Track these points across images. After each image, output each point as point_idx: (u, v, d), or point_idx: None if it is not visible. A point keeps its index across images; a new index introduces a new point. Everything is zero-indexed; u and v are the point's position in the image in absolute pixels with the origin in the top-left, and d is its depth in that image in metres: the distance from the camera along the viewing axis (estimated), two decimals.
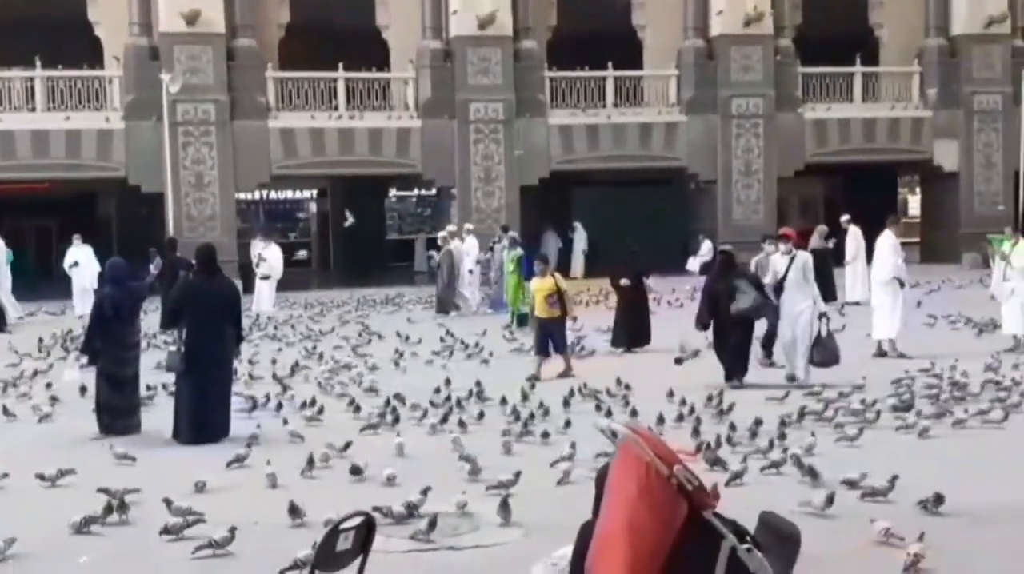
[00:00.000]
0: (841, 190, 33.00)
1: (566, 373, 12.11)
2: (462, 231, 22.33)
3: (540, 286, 12.47)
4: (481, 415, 9.68)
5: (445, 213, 28.77)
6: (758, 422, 8.68)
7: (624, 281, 14.47)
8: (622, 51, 28.17)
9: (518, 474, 7.06)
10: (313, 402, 10.29)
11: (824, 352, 11.18)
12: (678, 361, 12.18)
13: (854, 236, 19.99)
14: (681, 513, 3.79)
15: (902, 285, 13.31)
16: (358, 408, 10.06)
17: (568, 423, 9.06)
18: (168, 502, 6.56)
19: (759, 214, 28.15)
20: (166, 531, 6.29)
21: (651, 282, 15.18)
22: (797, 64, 28.88)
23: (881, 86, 29.53)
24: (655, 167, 28.68)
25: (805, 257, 11.68)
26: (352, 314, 20.15)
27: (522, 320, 16.35)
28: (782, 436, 8.31)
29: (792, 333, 11.41)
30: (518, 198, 27.31)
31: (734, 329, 11.29)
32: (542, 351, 12.30)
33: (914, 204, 36.46)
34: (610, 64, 27.85)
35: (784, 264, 11.53)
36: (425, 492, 6.65)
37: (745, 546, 3.80)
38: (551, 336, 12.32)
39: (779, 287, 11.48)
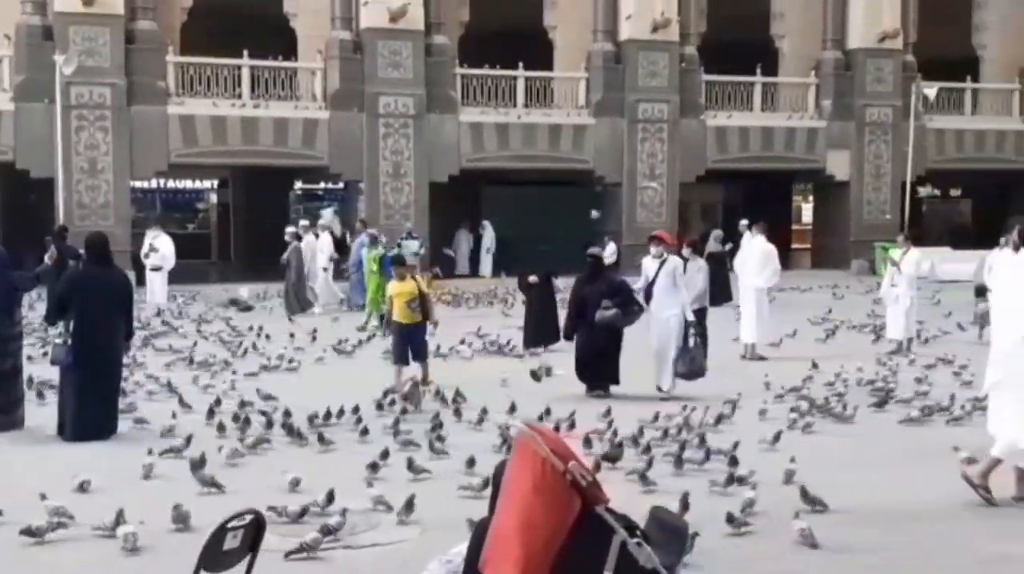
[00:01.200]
0: (740, 196, 33.87)
1: (422, 383, 11.08)
2: (326, 225, 21.85)
3: (400, 289, 11.34)
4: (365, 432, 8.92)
5: (353, 207, 28.66)
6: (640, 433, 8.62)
7: (533, 278, 14.62)
8: (534, 51, 28.48)
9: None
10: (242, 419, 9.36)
11: (690, 364, 10.72)
12: (535, 377, 11.48)
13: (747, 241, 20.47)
14: (575, 508, 3.84)
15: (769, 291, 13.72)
16: (246, 421, 9.23)
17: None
18: (43, 497, 6.40)
19: (662, 217, 28.72)
20: (28, 533, 6.05)
21: (559, 282, 15.31)
22: (701, 72, 29.57)
23: (780, 96, 30.42)
24: (563, 168, 29.05)
25: (676, 262, 11.22)
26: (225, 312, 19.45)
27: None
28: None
29: (659, 341, 10.96)
30: (427, 194, 27.35)
31: (600, 337, 10.80)
32: (402, 359, 11.20)
33: (807, 211, 37.64)
34: (521, 64, 28.12)
35: (654, 268, 11.10)
36: (330, 496, 6.60)
37: (635, 540, 3.87)
38: (411, 343, 11.28)
39: (648, 292, 11.08)
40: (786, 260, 33.74)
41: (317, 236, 21.19)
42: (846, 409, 9.87)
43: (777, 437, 8.54)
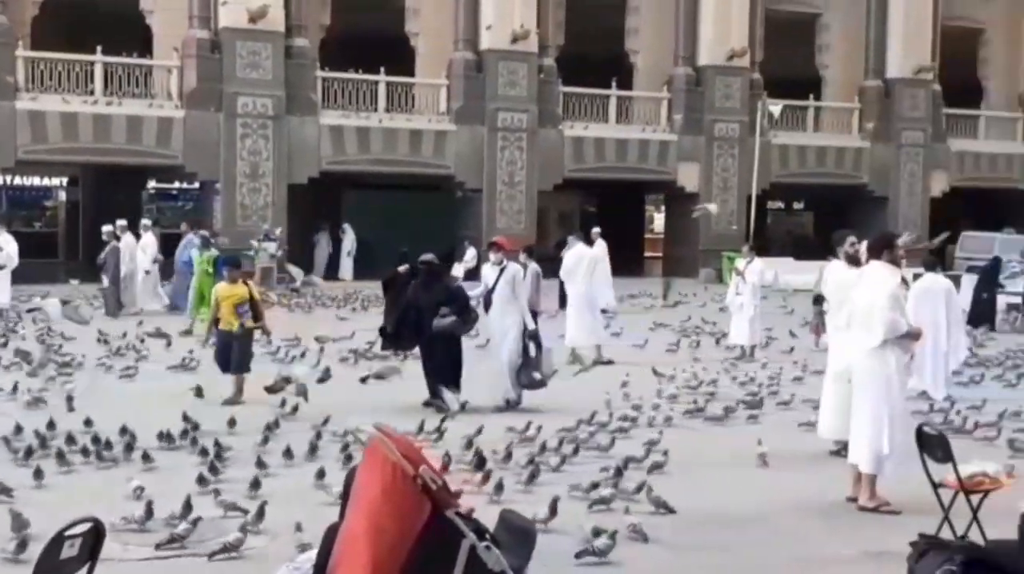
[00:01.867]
0: (596, 205, 34.75)
1: (234, 399, 10.48)
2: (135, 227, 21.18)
3: (229, 293, 10.67)
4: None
5: (208, 208, 28.16)
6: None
7: (403, 268, 14.58)
8: (397, 56, 28.58)
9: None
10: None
11: (532, 374, 10.38)
12: (269, 390, 10.41)
13: (601, 248, 20.81)
14: (424, 512, 3.85)
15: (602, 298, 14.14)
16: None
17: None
18: None
19: (521, 224, 29.28)
20: None
21: None
22: (559, 83, 30.25)
23: (634, 109, 31.37)
24: (425, 173, 29.23)
25: (515, 269, 10.85)
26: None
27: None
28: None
29: (500, 351, 10.61)
30: (286, 196, 27.12)
31: (439, 346, 10.45)
32: (227, 367, 10.66)
33: (659, 221, 38.86)
34: (383, 69, 28.19)
35: (494, 276, 10.79)
36: (188, 504, 6.53)
37: (484, 543, 3.91)
38: (233, 351, 10.58)
39: (488, 301, 10.83)
40: (639, 268, 35.23)
41: (139, 236, 20.48)
42: (725, 412, 10.31)
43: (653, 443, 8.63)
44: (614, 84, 30.93)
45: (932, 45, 33.71)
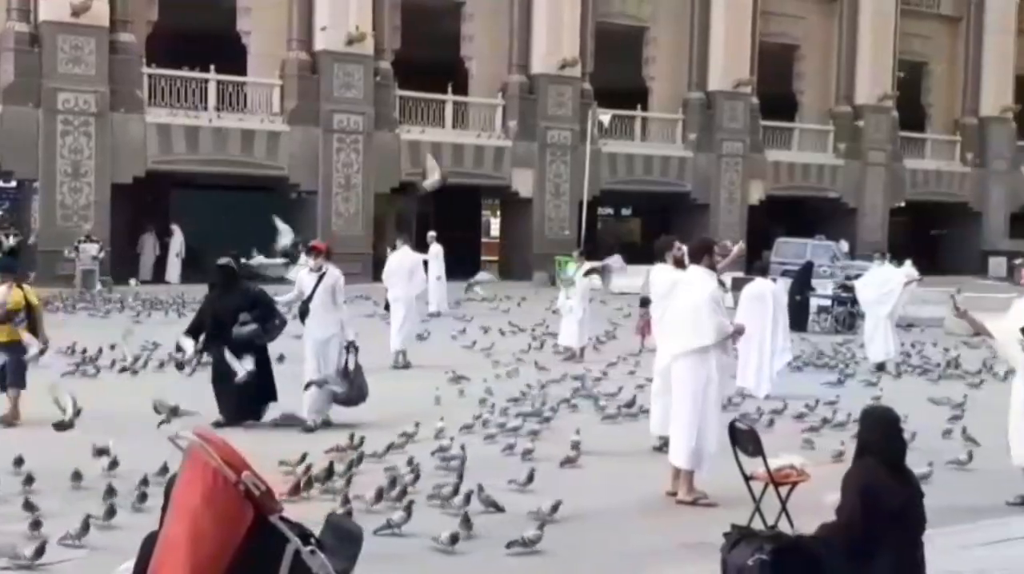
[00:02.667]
0: (433, 208, 34.91)
1: (10, 419, 9.45)
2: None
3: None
4: None
5: (27, 208, 26.89)
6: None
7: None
8: (228, 54, 27.98)
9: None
10: None
11: (349, 389, 9.57)
12: (59, 427, 8.80)
13: (435, 254, 20.99)
14: (247, 518, 3.78)
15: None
16: None
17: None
18: None
19: (357, 226, 29.21)
20: None
21: None
22: (395, 86, 30.30)
23: (470, 115, 31.74)
24: (257, 174, 28.74)
25: (336, 276, 9.95)
26: None
27: None
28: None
29: (316, 364, 9.74)
30: (109, 196, 26.19)
31: (241, 357, 9.56)
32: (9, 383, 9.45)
33: (496, 226, 39.38)
34: (213, 67, 27.59)
35: (312, 282, 9.92)
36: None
37: (309, 548, 3.87)
38: (5, 365, 9.46)
39: (304, 309, 9.94)
40: (476, 271, 35.57)
41: None
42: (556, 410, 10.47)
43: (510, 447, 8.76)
44: (450, 89, 31.21)
45: (751, 60, 35.44)
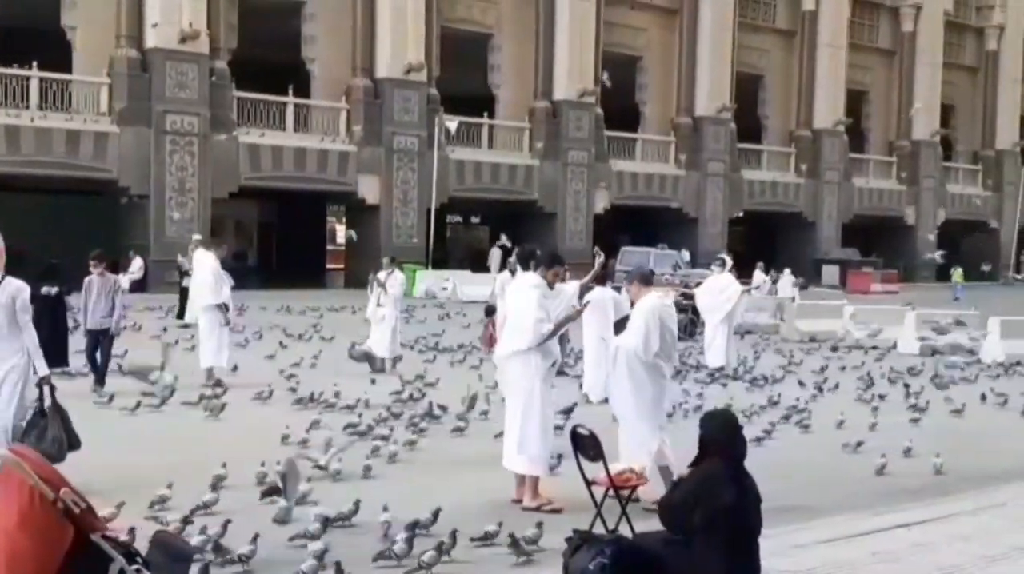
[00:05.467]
0: (275, 215, 33.86)
1: None
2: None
3: None
4: None
5: None
6: None
7: (47, 289, 13.12)
8: (51, 50, 26.34)
9: None
10: None
11: (40, 439, 6.56)
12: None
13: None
14: (68, 537, 3.73)
15: (227, 309, 12.71)
16: None
17: None
18: None
19: (192, 232, 27.81)
20: None
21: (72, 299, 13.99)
22: (233, 87, 29.19)
23: (312, 118, 30.87)
24: (84, 177, 27.11)
25: (17, 287, 7.15)
26: None
27: None
28: None
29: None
30: None
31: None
32: None
33: (341, 233, 38.58)
34: (35, 63, 25.89)
35: None
36: None
37: (134, 567, 3.85)
38: None
39: None
40: (320, 280, 34.71)
41: None
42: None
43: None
44: (291, 91, 30.28)
45: (595, 70, 35.83)
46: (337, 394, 11.14)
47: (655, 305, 7.33)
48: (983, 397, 12.64)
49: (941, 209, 47.25)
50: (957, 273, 36.38)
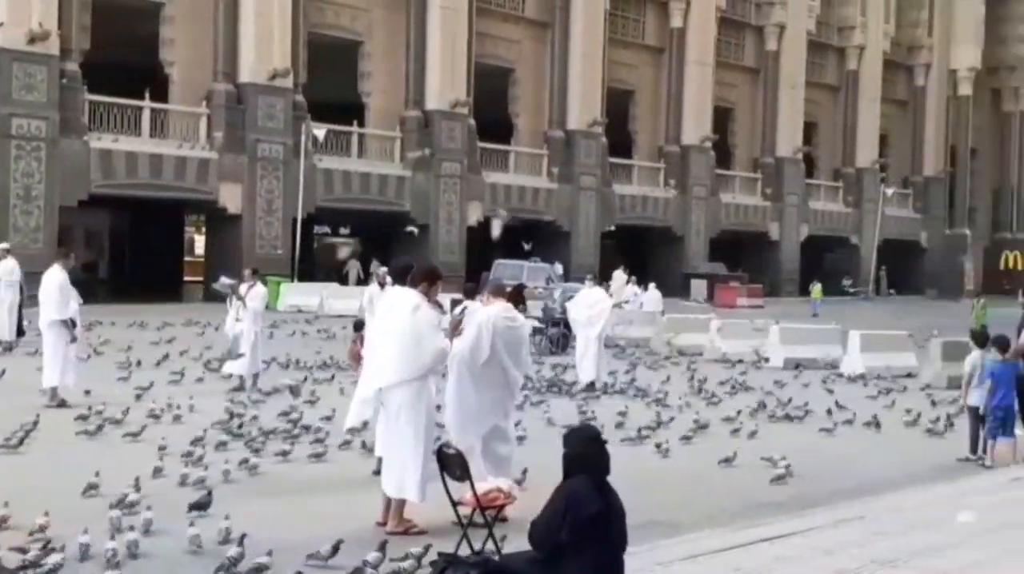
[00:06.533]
0: (129, 224, 32.36)
1: None
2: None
3: None
4: None
5: None
6: None
7: None
8: None
9: None
10: None
11: None
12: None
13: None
14: None
15: (74, 325, 11.82)
16: None
17: None
18: None
19: (39, 242, 26.29)
20: None
21: None
22: (85, 90, 27.76)
23: (170, 123, 29.58)
24: None
25: None
26: None
27: None
28: None
29: None
30: None
31: None
32: None
33: (200, 243, 37.21)
34: None
35: None
36: None
37: None
38: None
39: None
40: (176, 293, 33.29)
41: None
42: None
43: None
44: (147, 95, 28.97)
45: (467, 80, 35.45)
46: (178, 417, 10.56)
47: (492, 314, 7.24)
48: (828, 412, 12.58)
49: (804, 225, 48.52)
50: (816, 289, 37.18)
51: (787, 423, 12.15)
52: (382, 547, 5.93)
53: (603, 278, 22.42)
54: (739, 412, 12.36)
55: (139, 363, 15.29)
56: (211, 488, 7.50)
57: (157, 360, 15.82)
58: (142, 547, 6.18)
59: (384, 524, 7.00)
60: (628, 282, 30.16)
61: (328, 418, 10.77)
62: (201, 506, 7.07)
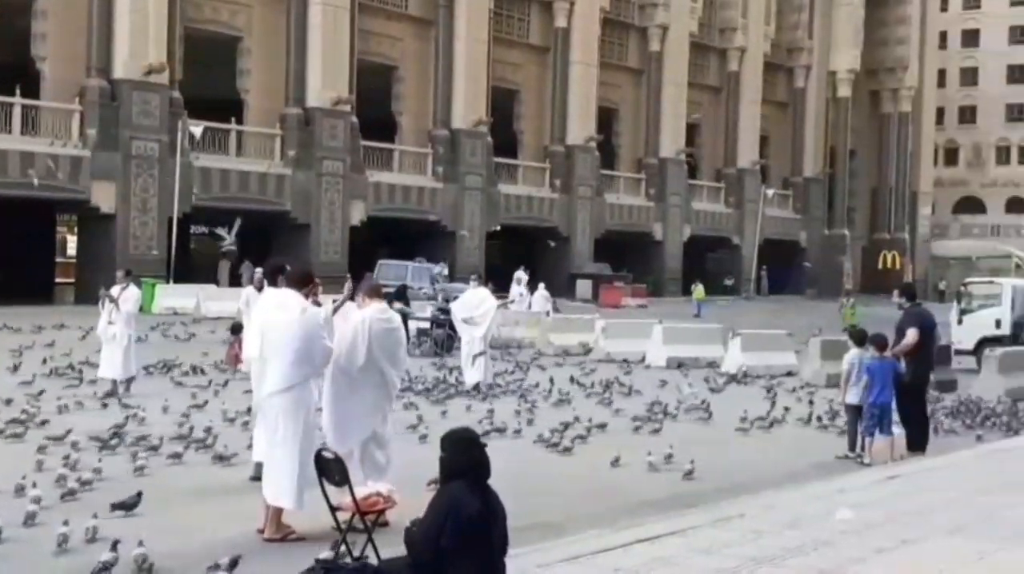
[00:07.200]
0: None
1: None
2: None
3: None
4: None
5: None
6: None
7: None
8: None
9: None
10: None
11: None
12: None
13: None
14: None
15: None
16: None
17: None
18: None
19: None
20: None
21: None
22: None
23: (41, 120, 28.43)
24: None
25: None
26: None
27: None
28: None
29: None
30: None
31: None
32: None
33: (73, 243, 35.86)
34: None
35: None
36: None
37: None
38: None
39: None
40: (47, 295, 31.92)
41: None
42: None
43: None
44: (18, 91, 27.79)
45: (349, 78, 34.96)
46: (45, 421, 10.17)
47: (367, 316, 7.10)
48: (706, 407, 12.79)
49: (687, 225, 49.40)
50: (698, 290, 37.68)
51: (675, 422, 12.20)
52: (234, 564, 5.67)
53: (488, 278, 22.42)
54: (619, 411, 12.42)
55: (16, 368, 14.66)
56: (140, 490, 7.29)
57: (14, 365, 15.02)
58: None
59: (263, 531, 6.84)
60: (524, 282, 30.20)
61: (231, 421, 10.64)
62: (126, 506, 7.01)
